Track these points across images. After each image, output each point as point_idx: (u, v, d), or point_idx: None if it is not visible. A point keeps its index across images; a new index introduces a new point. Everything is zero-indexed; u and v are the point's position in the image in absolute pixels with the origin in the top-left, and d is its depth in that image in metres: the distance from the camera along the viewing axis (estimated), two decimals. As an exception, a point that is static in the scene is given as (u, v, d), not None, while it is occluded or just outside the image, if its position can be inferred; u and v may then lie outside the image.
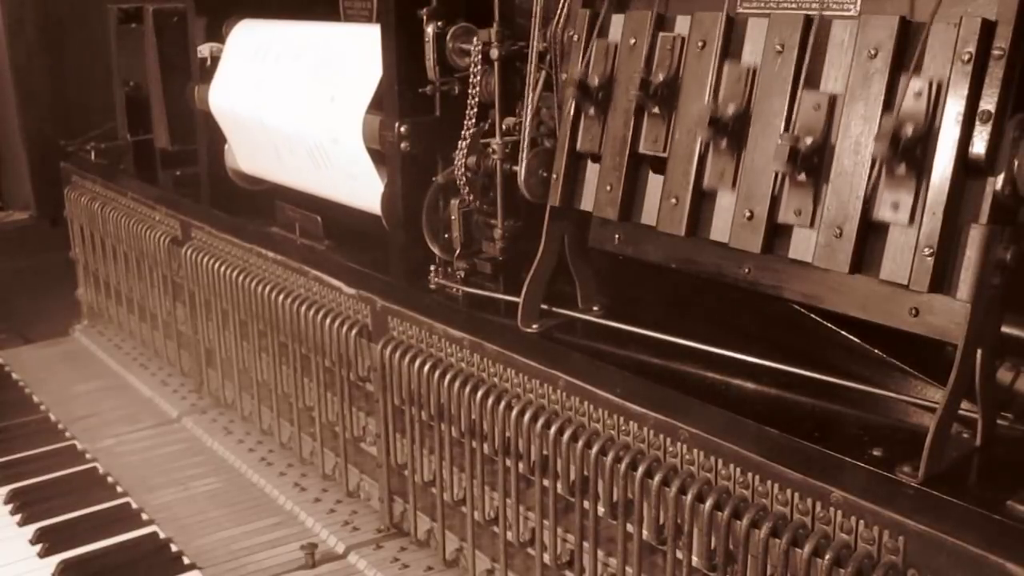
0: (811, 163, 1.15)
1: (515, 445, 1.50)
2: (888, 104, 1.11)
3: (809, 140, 1.14)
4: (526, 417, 1.46)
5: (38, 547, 1.92)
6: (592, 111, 1.40)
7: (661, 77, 1.31)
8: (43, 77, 4.01)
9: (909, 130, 1.05)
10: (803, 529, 1.13)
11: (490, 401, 1.52)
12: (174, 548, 1.89)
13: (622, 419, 1.35)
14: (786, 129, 1.20)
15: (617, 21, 1.40)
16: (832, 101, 1.16)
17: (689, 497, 1.23)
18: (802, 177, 1.17)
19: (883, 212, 1.11)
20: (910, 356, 1.26)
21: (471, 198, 1.65)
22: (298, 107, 2.03)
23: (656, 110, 1.32)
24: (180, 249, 2.36)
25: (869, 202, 1.13)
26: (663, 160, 1.34)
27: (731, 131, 1.23)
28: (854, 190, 1.14)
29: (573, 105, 1.42)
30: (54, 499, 2.09)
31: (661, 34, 1.34)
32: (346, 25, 2.23)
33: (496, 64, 1.59)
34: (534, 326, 1.51)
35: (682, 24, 1.32)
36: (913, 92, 1.08)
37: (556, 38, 1.49)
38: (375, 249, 1.87)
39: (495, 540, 1.62)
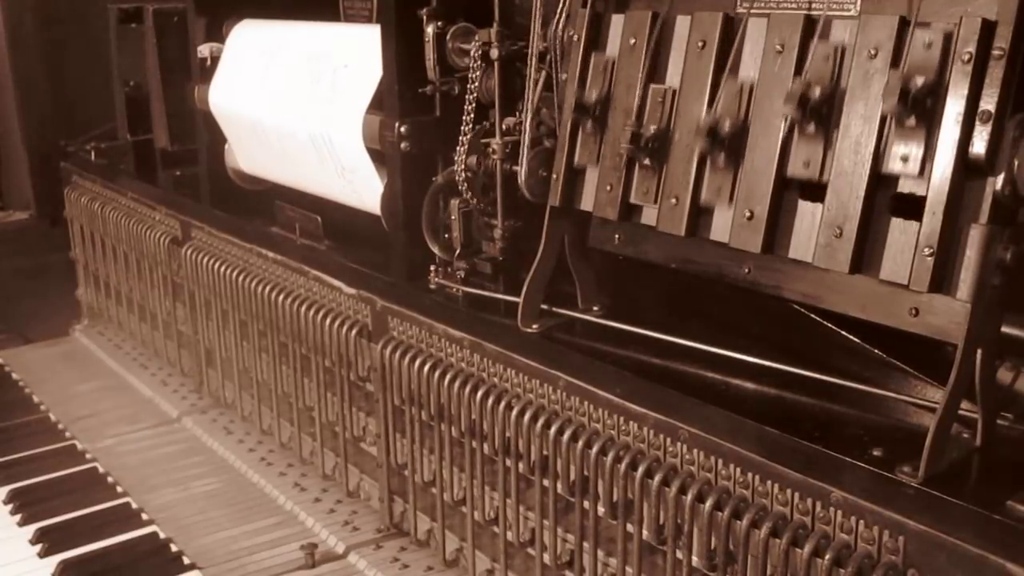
0: (820, 113, 1.14)
1: (515, 445, 1.50)
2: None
3: (818, 91, 1.13)
4: (526, 417, 1.46)
5: (38, 547, 1.92)
6: (590, 126, 1.40)
7: (652, 130, 1.31)
8: (43, 77, 4.01)
9: (919, 82, 1.05)
10: (803, 529, 1.13)
11: (490, 401, 1.52)
12: (174, 548, 1.89)
13: (622, 419, 1.35)
14: (787, 129, 1.20)
15: (617, 21, 1.40)
16: (832, 101, 1.16)
17: (689, 497, 1.23)
18: (811, 129, 1.16)
19: (892, 165, 1.10)
20: (910, 356, 1.26)
21: (471, 198, 1.65)
22: (298, 107, 2.03)
23: (647, 162, 1.33)
24: (180, 249, 2.36)
25: (869, 202, 1.13)
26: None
27: (728, 146, 1.23)
28: (854, 190, 1.14)
29: (570, 123, 1.42)
30: (54, 499, 2.09)
31: (652, 86, 1.34)
32: (346, 25, 2.23)
33: (496, 64, 1.59)
34: (534, 326, 1.51)
35: (682, 24, 1.33)
36: (922, 43, 1.07)
37: (556, 38, 1.49)
38: (375, 249, 1.87)
39: (495, 540, 1.62)
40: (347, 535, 1.89)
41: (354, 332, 1.83)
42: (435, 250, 1.72)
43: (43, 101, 4.02)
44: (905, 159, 1.09)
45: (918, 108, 1.06)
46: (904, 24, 1.11)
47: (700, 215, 1.31)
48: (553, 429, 1.42)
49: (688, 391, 1.29)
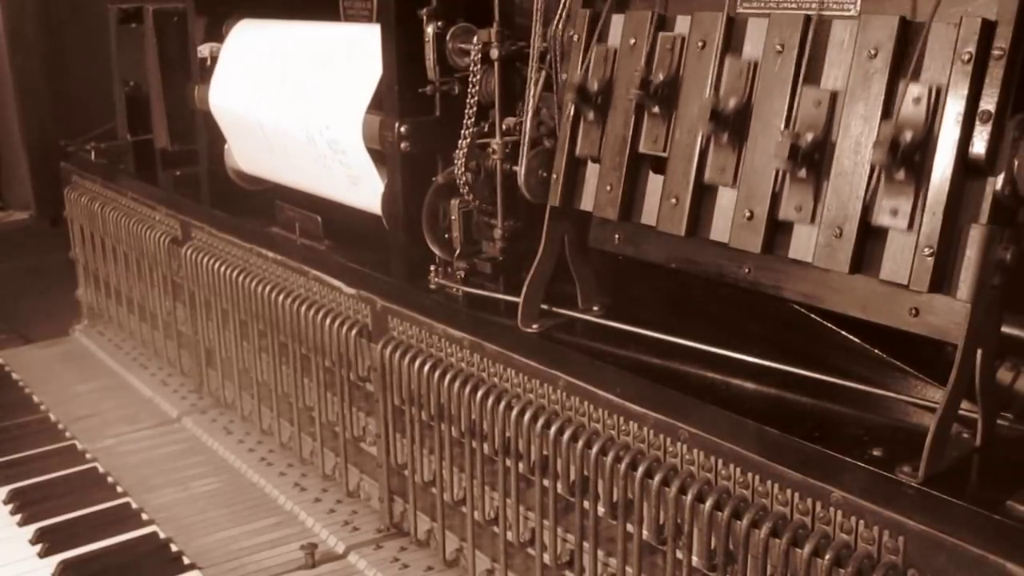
0: (811, 159, 1.15)
1: (515, 445, 1.50)
2: (888, 104, 1.11)
3: (810, 136, 1.14)
4: (526, 417, 1.46)
5: (38, 547, 1.92)
6: (591, 115, 1.40)
7: (661, 77, 1.31)
8: (43, 77, 4.01)
9: (908, 136, 1.05)
10: (803, 529, 1.13)
11: (490, 401, 1.52)
12: (174, 548, 1.89)
13: (622, 419, 1.35)
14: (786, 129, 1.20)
15: (617, 21, 1.40)
16: (832, 101, 1.16)
17: (689, 497, 1.23)
18: (803, 173, 1.16)
19: (882, 218, 1.11)
20: (910, 356, 1.26)
21: (471, 198, 1.65)
22: (298, 107, 2.03)
23: (656, 110, 1.32)
24: (180, 249, 2.36)
25: (869, 202, 1.13)
26: (663, 160, 1.34)
27: (732, 125, 1.23)
28: (854, 190, 1.14)
29: (572, 110, 1.42)
30: (54, 499, 2.09)
31: (661, 34, 1.34)
32: (346, 25, 2.23)
33: (496, 64, 1.59)
34: (534, 326, 1.51)
35: (682, 24, 1.32)
36: (912, 98, 1.08)
37: (556, 38, 1.49)
38: (375, 249, 1.87)
39: (495, 540, 1.62)
40: (347, 535, 1.89)
41: (354, 332, 1.83)
42: (435, 250, 1.72)
43: (43, 101, 4.02)
44: (894, 212, 1.09)
45: (907, 162, 1.06)
46: (904, 24, 1.11)
47: (700, 215, 1.31)
48: (553, 429, 1.42)
49: (688, 391, 1.29)
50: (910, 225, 1.09)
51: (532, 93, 1.52)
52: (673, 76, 1.31)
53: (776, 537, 1.14)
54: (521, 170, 1.53)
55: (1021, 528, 0.97)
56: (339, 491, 2.02)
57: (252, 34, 2.31)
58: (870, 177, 1.13)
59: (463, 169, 1.63)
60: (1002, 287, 1.06)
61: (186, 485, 2.13)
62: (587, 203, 1.44)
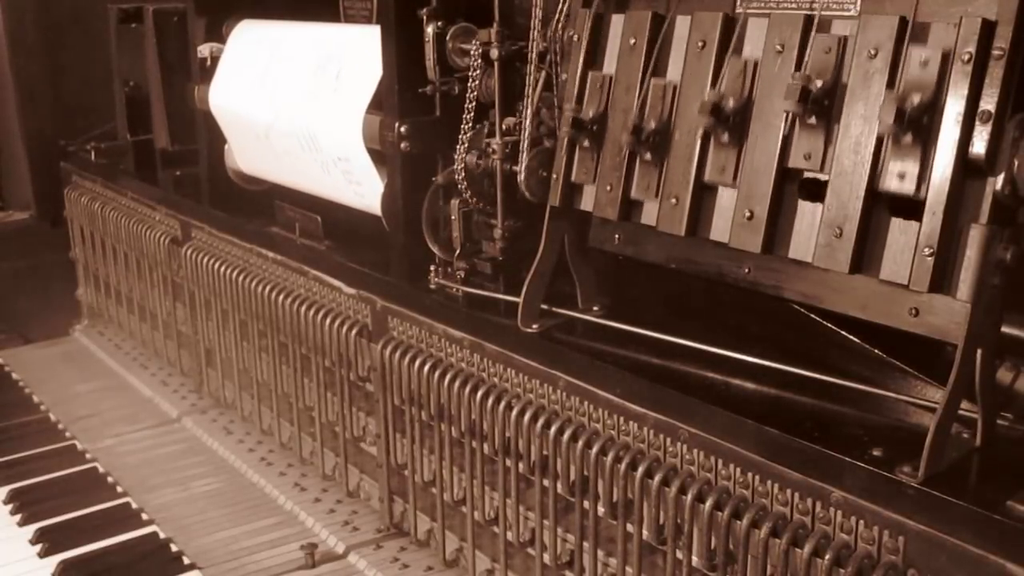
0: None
1: (515, 445, 1.50)
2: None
3: (819, 82, 1.13)
4: (526, 417, 1.46)
5: (38, 547, 1.92)
6: (587, 143, 1.40)
7: (653, 125, 1.31)
8: (43, 77, 4.01)
9: (915, 99, 1.05)
10: (803, 529, 1.14)
11: (490, 401, 1.52)
12: (174, 548, 1.89)
13: (622, 419, 1.35)
14: (786, 129, 1.20)
15: (617, 21, 1.40)
16: (832, 101, 1.16)
17: (689, 497, 1.23)
18: (812, 120, 1.15)
19: (889, 182, 1.11)
20: (910, 356, 1.26)
21: (471, 198, 1.65)
22: (298, 107, 2.03)
23: (648, 157, 1.32)
24: (180, 249, 2.36)
25: (869, 202, 1.13)
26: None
27: (732, 123, 1.23)
28: (854, 190, 1.14)
29: (567, 140, 1.42)
30: (54, 499, 2.09)
31: (653, 80, 1.34)
32: (346, 25, 2.23)
33: (496, 64, 1.59)
34: (534, 326, 1.51)
35: (682, 24, 1.32)
36: (919, 61, 1.07)
37: (556, 38, 1.49)
38: (375, 249, 1.88)
39: (495, 540, 1.62)
40: (347, 535, 1.89)
41: (354, 332, 1.83)
42: (435, 250, 1.72)
43: (43, 101, 4.01)
44: (902, 176, 1.09)
45: (914, 126, 1.06)
46: (904, 24, 1.11)
47: (700, 215, 1.31)
48: (553, 429, 1.42)
49: (688, 391, 1.29)
50: (917, 189, 1.08)
51: (532, 93, 1.52)
52: (665, 124, 1.31)
53: (776, 537, 1.14)
54: (521, 170, 1.53)
55: (1021, 528, 0.97)
56: (339, 491, 2.02)
57: (253, 35, 2.31)
58: (870, 176, 1.13)
59: (463, 169, 1.64)
60: (1002, 287, 1.06)
61: (186, 485, 2.13)
62: (587, 203, 1.44)
